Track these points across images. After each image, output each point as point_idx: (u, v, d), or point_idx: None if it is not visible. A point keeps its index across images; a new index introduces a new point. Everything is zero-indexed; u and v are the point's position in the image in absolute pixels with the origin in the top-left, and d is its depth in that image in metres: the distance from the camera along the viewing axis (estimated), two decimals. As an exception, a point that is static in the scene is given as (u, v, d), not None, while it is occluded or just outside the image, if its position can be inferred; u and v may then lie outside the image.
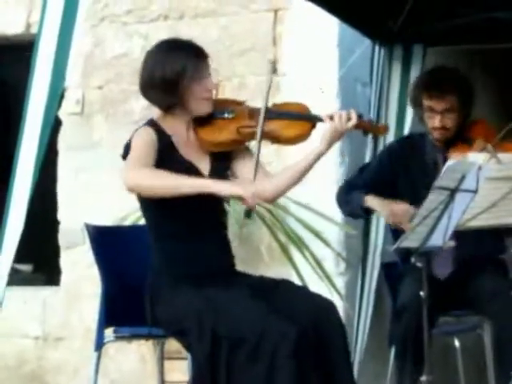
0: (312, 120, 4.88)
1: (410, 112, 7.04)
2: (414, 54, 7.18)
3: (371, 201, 5.80)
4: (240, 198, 4.59)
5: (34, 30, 4.81)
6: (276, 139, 4.94)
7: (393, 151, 6.21)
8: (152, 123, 4.90)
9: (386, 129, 5.66)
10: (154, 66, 4.94)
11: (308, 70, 6.91)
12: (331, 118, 4.80)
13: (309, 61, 6.92)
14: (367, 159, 6.87)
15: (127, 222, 6.31)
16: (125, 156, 4.82)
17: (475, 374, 6.47)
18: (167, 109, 4.93)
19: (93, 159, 7.48)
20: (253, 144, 4.82)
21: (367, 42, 7.20)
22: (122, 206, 6.37)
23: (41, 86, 4.69)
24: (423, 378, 5.26)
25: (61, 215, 7.62)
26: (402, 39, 7.16)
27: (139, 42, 7.36)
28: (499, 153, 5.34)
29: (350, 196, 6.00)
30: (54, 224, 7.63)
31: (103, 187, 7.12)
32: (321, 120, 4.87)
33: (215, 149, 4.92)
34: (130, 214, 6.35)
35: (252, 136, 4.76)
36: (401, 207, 5.63)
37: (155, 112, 5.05)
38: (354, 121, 4.81)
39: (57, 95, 4.71)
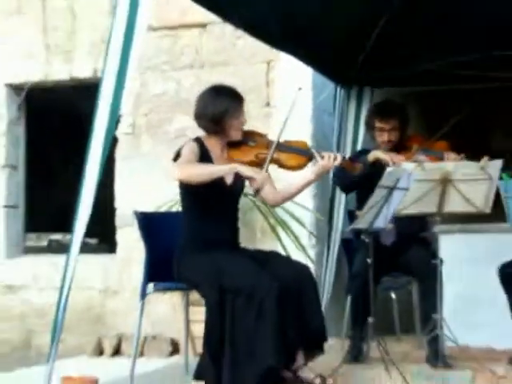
0: (309, 156, 5.02)
1: (361, 136, 7.19)
2: (364, 94, 7.21)
3: (376, 153, 5.87)
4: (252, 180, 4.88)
5: (99, 74, 4.79)
6: (282, 166, 5.08)
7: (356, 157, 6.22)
8: (198, 140, 5.05)
9: (360, 167, 5.57)
10: (205, 104, 5.08)
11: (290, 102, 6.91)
12: (323, 157, 4.96)
13: (291, 97, 6.92)
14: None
15: (163, 209, 6.31)
16: (175, 159, 4.95)
17: (405, 317, 6.48)
18: (211, 133, 5.04)
19: (140, 165, 7.49)
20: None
21: (332, 84, 7.21)
22: (160, 199, 6.38)
23: (103, 114, 4.67)
24: (369, 320, 5.28)
25: (117, 204, 7.64)
26: (356, 83, 7.19)
27: (173, 85, 7.37)
28: (425, 162, 5.38)
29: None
30: (112, 210, 7.65)
31: (147, 185, 7.12)
32: (315, 157, 5.00)
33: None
34: (165, 203, 6.37)
35: (265, 160, 4.88)
36: (398, 157, 5.77)
37: (188, 133, 5.17)
38: (338, 161, 4.98)
39: (115, 120, 4.70)
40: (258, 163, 4.95)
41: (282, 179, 5.47)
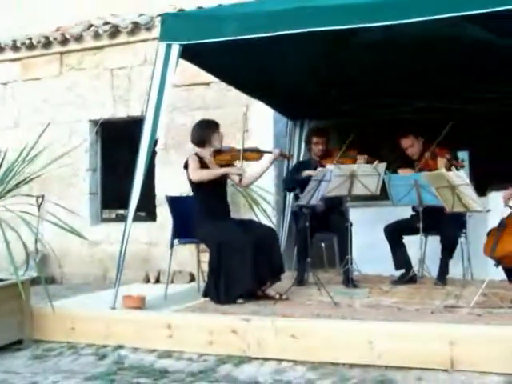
0: (262, 152, 5.15)
1: (302, 150, 7.11)
2: (304, 124, 7.15)
3: (306, 172, 5.76)
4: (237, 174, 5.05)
5: (143, 113, 4.75)
6: (248, 159, 5.15)
7: (298, 165, 6.25)
8: (196, 154, 5.05)
9: (292, 157, 6.31)
10: (196, 131, 5.15)
11: (260, 129, 6.87)
12: (271, 151, 5.24)
13: (260, 125, 6.90)
14: (285, 168, 6.84)
15: (184, 194, 6.21)
16: (185, 167, 5.03)
17: (330, 257, 6.47)
18: (202, 147, 5.10)
19: (169, 168, 7.43)
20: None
21: (285, 118, 7.19)
22: (181, 188, 6.28)
23: (146, 137, 4.65)
24: (308, 259, 5.27)
25: (157, 191, 7.59)
26: (299, 118, 7.14)
27: (189, 119, 7.20)
28: (341, 164, 5.42)
29: (293, 176, 5.98)
30: (153, 195, 7.61)
31: (173, 180, 7.01)
32: (268, 152, 5.23)
33: (221, 164, 5.08)
34: (184, 191, 6.27)
35: (237, 159, 5.04)
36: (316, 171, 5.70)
37: (196, 149, 5.13)
38: (278, 153, 5.22)
39: (153, 140, 4.67)
40: (233, 160, 5.10)
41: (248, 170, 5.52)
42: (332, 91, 6.08)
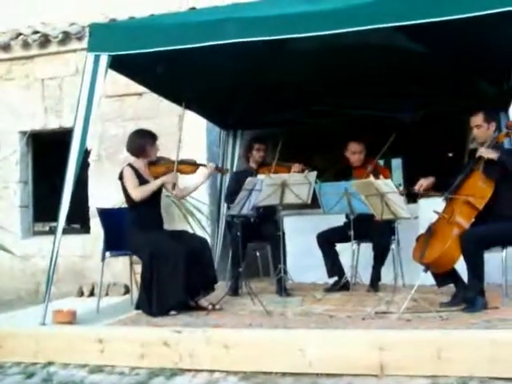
0: (197, 166, 5.18)
1: (235, 160, 7.11)
2: (237, 134, 7.15)
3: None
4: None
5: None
6: (182, 172, 5.15)
7: (236, 175, 6.21)
8: (130, 165, 5.00)
9: (228, 171, 6.33)
10: (133, 140, 5.09)
11: (193, 140, 6.83)
12: (207, 165, 5.25)
13: (193, 136, 6.86)
14: (219, 179, 6.87)
15: (116, 206, 6.14)
16: (120, 178, 5.00)
17: (265, 266, 6.48)
18: (137, 157, 5.07)
19: (103, 179, 7.29)
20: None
21: (217, 128, 7.17)
22: (114, 200, 6.22)
23: (75, 148, 4.58)
24: (240, 269, 5.26)
25: (90, 203, 7.42)
26: (231, 128, 7.12)
27: (121, 130, 7.20)
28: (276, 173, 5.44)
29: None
30: (87, 207, 7.44)
31: (107, 191, 6.87)
32: (204, 165, 5.26)
33: (156, 176, 5.08)
34: (117, 203, 6.19)
35: (172, 171, 5.09)
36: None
37: (130, 160, 5.08)
38: (214, 167, 5.29)
39: (82, 151, 4.60)
40: (167, 172, 5.08)
41: (185, 182, 5.49)
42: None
